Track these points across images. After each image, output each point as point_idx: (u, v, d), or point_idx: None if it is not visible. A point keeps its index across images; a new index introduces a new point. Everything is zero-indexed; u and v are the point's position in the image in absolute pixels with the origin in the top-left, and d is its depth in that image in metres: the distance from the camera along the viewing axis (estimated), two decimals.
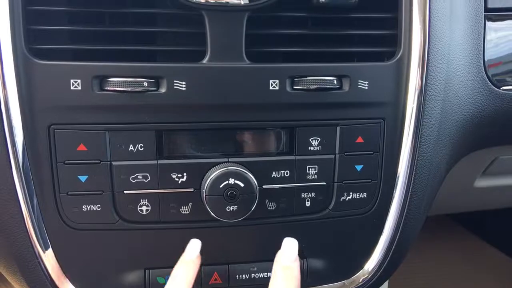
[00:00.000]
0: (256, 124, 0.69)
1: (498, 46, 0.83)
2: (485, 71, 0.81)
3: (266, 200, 0.70)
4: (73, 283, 0.70)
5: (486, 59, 0.81)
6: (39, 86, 0.62)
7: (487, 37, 0.82)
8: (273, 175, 0.70)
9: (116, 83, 0.63)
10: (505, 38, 0.84)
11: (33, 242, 0.66)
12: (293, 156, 0.70)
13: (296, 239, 0.73)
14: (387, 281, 0.99)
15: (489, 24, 0.82)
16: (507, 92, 0.83)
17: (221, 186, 0.66)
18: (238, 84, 0.66)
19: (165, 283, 0.71)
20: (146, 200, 0.68)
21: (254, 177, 0.67)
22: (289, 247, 0.66)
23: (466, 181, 1.18)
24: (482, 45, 0.81)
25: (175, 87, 0.64)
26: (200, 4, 0.63)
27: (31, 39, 0.62)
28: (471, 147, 0.88)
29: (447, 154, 0.79)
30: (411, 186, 0.74)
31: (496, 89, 0.82)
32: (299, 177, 0.71)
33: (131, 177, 0.67)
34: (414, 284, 1.93)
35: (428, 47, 0.71)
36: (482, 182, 1.19)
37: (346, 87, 0.69)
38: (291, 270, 0.63)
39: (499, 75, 0.82)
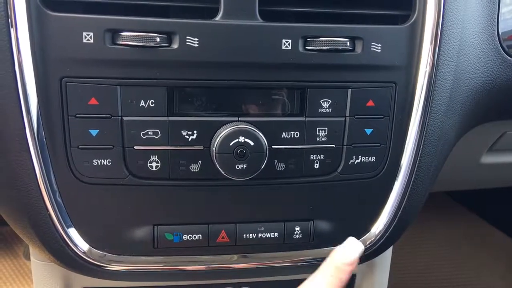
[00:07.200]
0: (268, 84, 0.69)
1: None
2: (499, 40, 0.80)
3: (275, 161, 0.71)
4: (82, 237, 0.71)
5: (500, 28, 0.80)
6: (52, 38, 0.62)
7: (502, 6, 0.81)
8: (282, 135, 0.70)
9: (128, 37, 0.63)
10: None
11: (43, 195, 0.67)
12: (303, 118, 0.70)
13: (304, 200, 0.74)
14: (390, 257, 0.99)
15: None
16: None
17: (231, 144, 0.66)
18: (251, 42, 0.66)
19: (173, 240, 0.72)
20: (156, 157, 0.68)
21: (264, 136, 0.67)
22: (352, 248, 0.62)
23: (472, 156, 1.18)
24: (496, 13, 0.80)
25: (187, 43, 0.64)
26: None
27: None
28: (481, 117, 0.88)
29: (457, 122, 0.79)
30: (420, 151, 0.74)
31: (510, 58, 0.81)
32: (308, 138, 0.71)
33: (141, 132, 0.67)
34: (415, 262, 1.95)
35: (443, 12, 0.70)
36: (489, 158, 1.19)
37: (359, 49, 0.68)
38: (343, 273, 0.59)
39: None
